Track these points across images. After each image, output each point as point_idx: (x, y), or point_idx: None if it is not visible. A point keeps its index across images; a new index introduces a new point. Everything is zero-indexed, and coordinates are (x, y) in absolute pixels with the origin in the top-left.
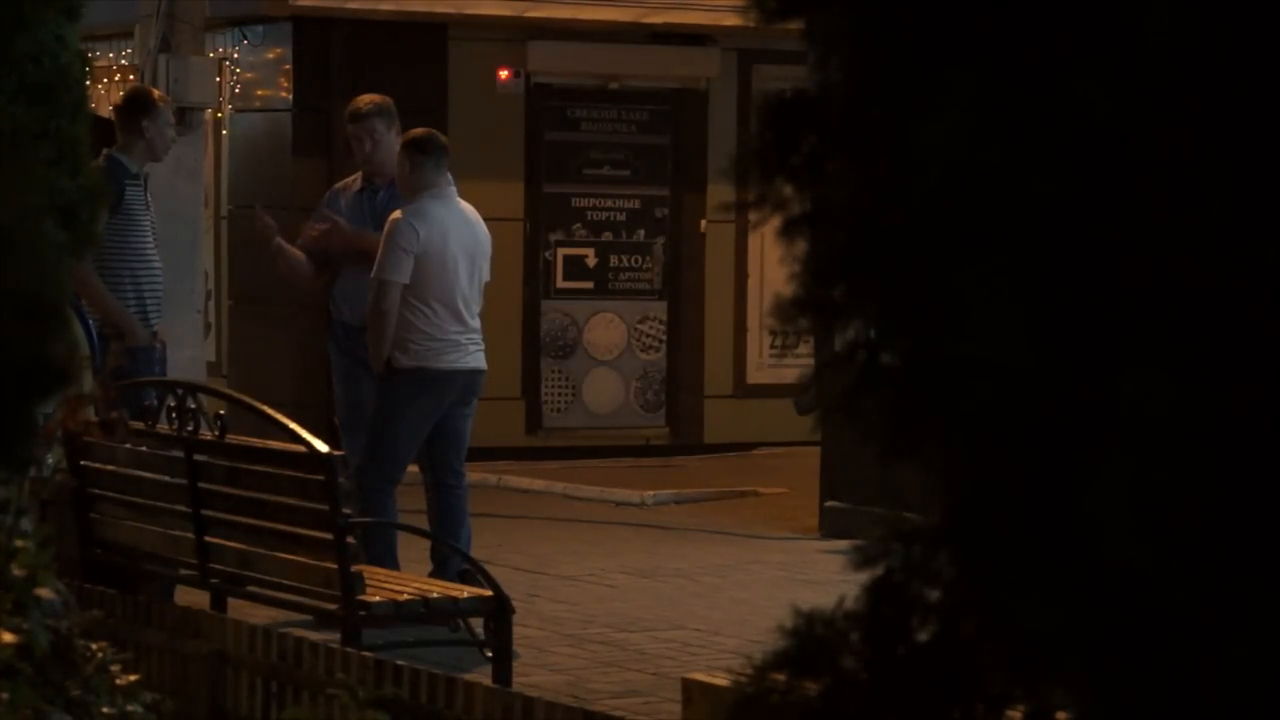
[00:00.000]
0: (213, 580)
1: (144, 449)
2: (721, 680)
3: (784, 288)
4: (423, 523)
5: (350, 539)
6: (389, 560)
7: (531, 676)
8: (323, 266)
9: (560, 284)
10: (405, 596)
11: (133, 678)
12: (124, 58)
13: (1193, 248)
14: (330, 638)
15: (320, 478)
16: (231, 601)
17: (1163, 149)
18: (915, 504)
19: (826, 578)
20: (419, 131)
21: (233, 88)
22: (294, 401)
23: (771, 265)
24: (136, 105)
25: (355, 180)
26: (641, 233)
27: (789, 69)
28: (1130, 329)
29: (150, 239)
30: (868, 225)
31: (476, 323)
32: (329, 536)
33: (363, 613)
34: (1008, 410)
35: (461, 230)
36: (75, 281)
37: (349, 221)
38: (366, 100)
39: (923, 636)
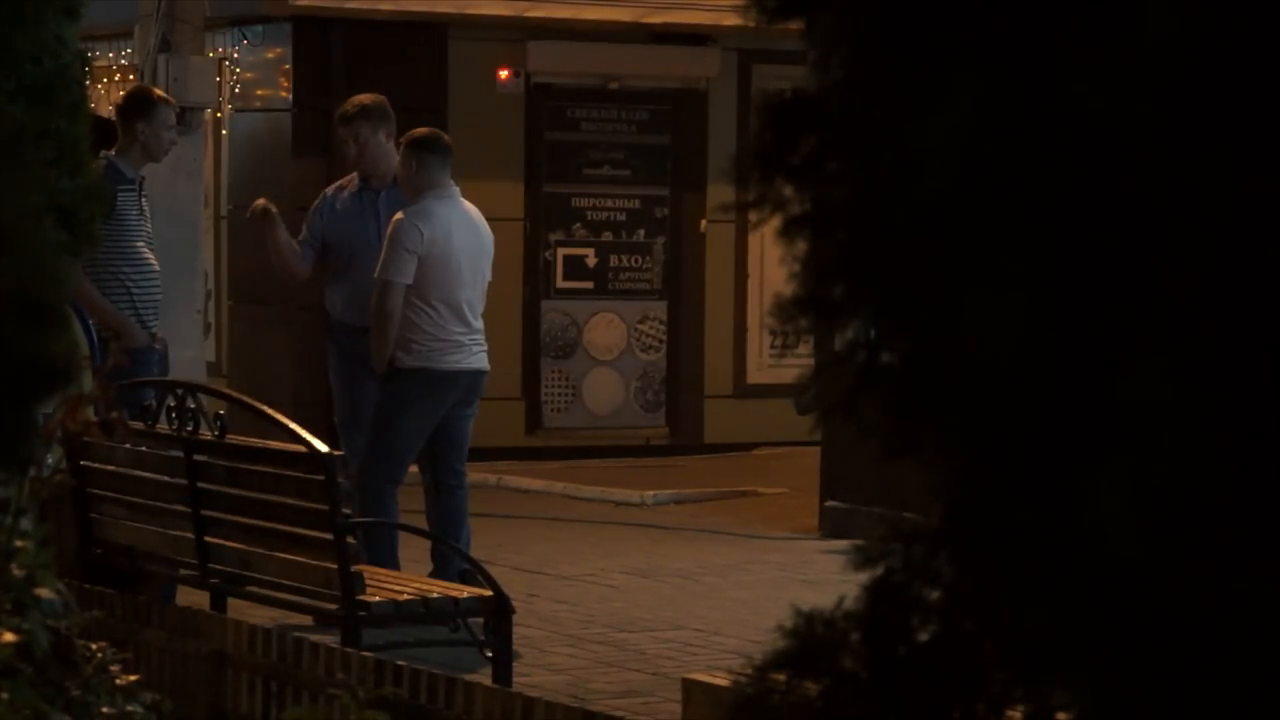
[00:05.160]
0: (213, 580)
1: (144, 449)
2: (721, 680)
3: (784, 288)
4: (422, 523)
5: (350, 539)
6: (389, 560)
7: (531, 676)
8: (318, 262)
9: (560, 284)
10: (405, 596)
11: (133, 678)
12: (124, 58)
13: (1192, 247)
14: (330, 638)
15: (320, 478)
16: (231, 601)
17: (1162, 149)
18: (915, 504)
19: (826, 578)
20: (422, 131)
21: (233, 88)
22: (294, 401)
23: (771, 265)
24: (132, 107)
25: (352, 181)
26: (641, 233)
27: (789, 69)
28: (1130, 328)
29: (142, 242)
30: (868, 225)
31: (479, 323)
32: (329, 536)
33: (363, 613)
34: (1008, 410)
35: (465, 231)
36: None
37: (346, 221)
38: (354, 102)
39: (923, 636)
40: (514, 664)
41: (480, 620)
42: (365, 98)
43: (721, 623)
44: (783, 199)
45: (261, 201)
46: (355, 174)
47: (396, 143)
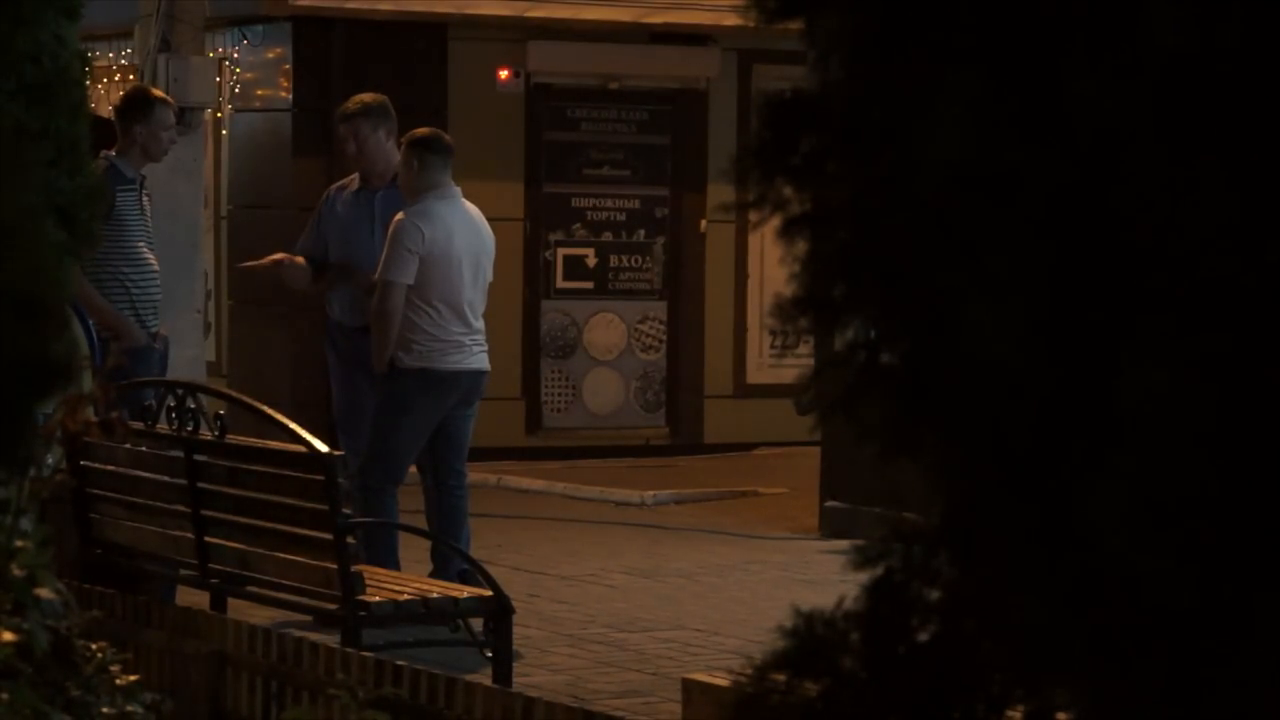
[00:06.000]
0: (213, 580)
1: (144, 449)
2: (721, 680)
3: (784, 288)
4: (422, 523)
5: (350, 539)
6: (389, 560)
7: (531, 676)
8: (320, 271)
9: (560, 284)
10: (405, 596)
11: (133, 678)
12: (124, 58)
13: (1191, 247)
14: (330, 638)
15: (320, 478)
16: (231, 601)
17: (1161, 149)
18: (915, 504)
19: (826, 578)
20: (424, 131)
21: (233, 88)
22: (294, 401)
23: (771, 265)
24: (130, 108)
25: (353, 180)
26: (641, 233)
27: (789, 69)
28: (1130, 329)
29: (143, 243)
30: (868, 225)
31: (480, 324)
32: (329, 536)
33: (363, 613)
34: (1008, 410)
35: (466, 231)
36: None
37: (347, 220)
38: (355, 101)
39: (923, 636)
40: (514, 664)
41: (480, 620)
42: (367, 96)
43: (721, 623)
44: (783, 199)
45: (278, 257)
46: (357, 173)
47: (398, 143)
